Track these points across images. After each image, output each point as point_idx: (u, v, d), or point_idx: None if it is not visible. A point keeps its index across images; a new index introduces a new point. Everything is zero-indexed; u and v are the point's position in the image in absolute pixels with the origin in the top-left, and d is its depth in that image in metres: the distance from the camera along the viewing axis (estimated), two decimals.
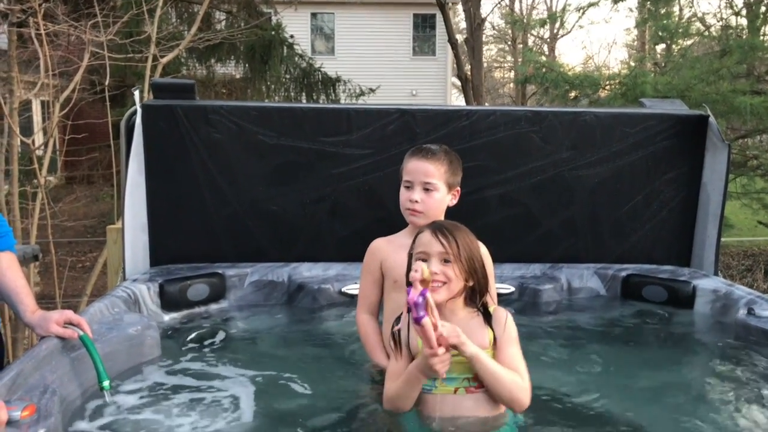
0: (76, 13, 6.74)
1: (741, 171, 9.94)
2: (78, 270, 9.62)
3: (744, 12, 10.90)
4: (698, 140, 3.78)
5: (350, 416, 2.27)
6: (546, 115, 3.78)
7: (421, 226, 2.51)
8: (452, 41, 15.45)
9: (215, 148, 3.60)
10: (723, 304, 3.37)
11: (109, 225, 4.92)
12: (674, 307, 3.53)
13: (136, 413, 2.22)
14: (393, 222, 2.75)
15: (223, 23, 12.64)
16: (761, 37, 9.40)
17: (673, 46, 12.35)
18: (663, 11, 10.64)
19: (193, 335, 3.06)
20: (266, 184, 3.67)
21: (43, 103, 12.69)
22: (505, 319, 2.12)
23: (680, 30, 10.41)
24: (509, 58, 36.56)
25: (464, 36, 17.63)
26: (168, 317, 3.26)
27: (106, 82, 6.10)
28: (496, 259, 2.45)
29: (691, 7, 12.91)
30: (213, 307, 3.42)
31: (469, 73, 15.84)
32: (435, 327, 1.90)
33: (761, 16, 9.91)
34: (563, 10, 13.64)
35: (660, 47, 14.76)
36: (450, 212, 2.61)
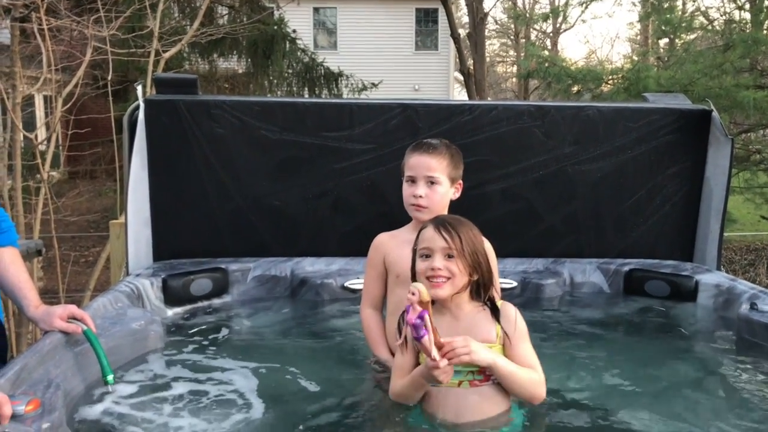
0: (78, 8, 6.74)
1: (744, 165, 9.92)
2: (81, 265, 9.64)
3: (747, 6, 10.87)
4: (701, 135, 3.78)
5: (353, 410, 2.27)
6: (549, 110, 3.77)
7: (423, 221, 2.52)
8: (455, 36, 15.40)
9: (218, 142, 3.61)
10: (725, 298, 3.37)
11: (112, 220, 4.94)
12: (677, 301, 3.53)
13: (140, 407, 2.23)
14: (395, 217, 2.75)
15: (226, 18, 12.64)
16: (765, 31, 9.35)
17: (676, 40, 12.32)
18: (666, 5, 10.62)
19: (196, 330, 3.07)
20: (269, 179, 3.67)
21: (45, 98, 12.69)
22: (515, 316, 2.12)
23: (683, 24, 10.39)
24: (512, 52, 36.46)
25: (467, 31, 17.59)
26: (171, 312, 3.27)
27: (109, 77, 6.10)
28: (499, 254, 2.45)
29: (694, 2, 12.82)
30: (216, 301, 3.43)
31: (471, 67, 15.79)
32: (439, 344, 1.93)
33: (765, 10, 9.85)
34: (566, 4, 13.56)
35: (663, 41, 14.74)
36: (452, 207, 2.61)
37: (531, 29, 31.89)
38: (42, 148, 6.25)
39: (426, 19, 25.27)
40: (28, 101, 8.46)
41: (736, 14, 11.21)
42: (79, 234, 11.17)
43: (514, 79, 36.10)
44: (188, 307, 3.33)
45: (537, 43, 29.37)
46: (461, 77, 17.26)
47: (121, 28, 6.50)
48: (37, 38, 5.55)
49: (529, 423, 2.11)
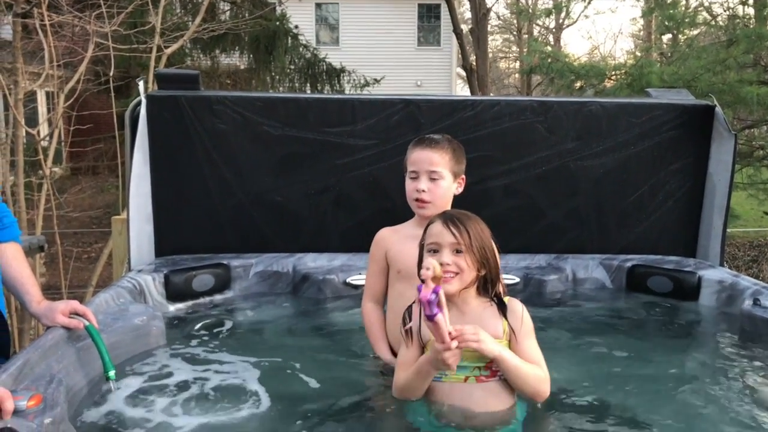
0: (80, 4, 6.72)
1: (747, 161, 9.90)
2: (83, 261, 9.65)
3: (751, 1, 10.82)
4: (704, 130, 3.76)
5: (355, 405, 2.27)
6: (551, 106, 3.76)
7: (428, 216, 2.52)
8: (457, 31, 15.39)
9: (220, 138, 3.60)
10: (728, 295, 3.36)
11: (114, 216, 4.94)
12: (679, 298, 3.52)
13: (142, 403, 2.23)
14: (397, 213, 2.75)
15: (228, 14, 12.64)
16: None
17: (680, 35, 12.30)
18: (669, 1, 10.58)
19: (198, 325, 3.07)
20: (271, 175, 3.67)
21: (47, 94, 12.72)
22: (522, 312, 2.12)
23: (687, 20, 10.35)
24: (514, 48, 36.41)
25: (469, 26, 17.59)
26: (173, 308, 3.27)
27: (111, 73, 6.09)
28: (501, 250, 2.44)
29: None
30: (218, 297, 3.43)
31: (474, 63, 15.79)
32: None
33: None
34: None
35: (666, 37, 14.71)
36: (455, 203, 2.61)
37: (534, 25, 31.90)
38: (44, 144, 6.25)
39: (428, 15, 25.24)
40: (31, 97, 8.46)
41: (740, 9, 11.18)
42: (81, 230, 11.19)
43: (516, 75, 36.11)
44: (190, 303, 3.33)
45: (540, 38, 29.36)
46: (464, 73, 17.24)
47: (123, 24, 6.51)
48: (39, 34, 5.54)
49: (532, 418, 2.10)
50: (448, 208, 2.53)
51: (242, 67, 13.82)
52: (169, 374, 2.48)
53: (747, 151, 9.85)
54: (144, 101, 3.47)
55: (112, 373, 2.25)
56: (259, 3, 12.68)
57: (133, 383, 2.38)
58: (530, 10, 27.65)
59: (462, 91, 27.79)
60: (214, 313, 3.27)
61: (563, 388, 2.36)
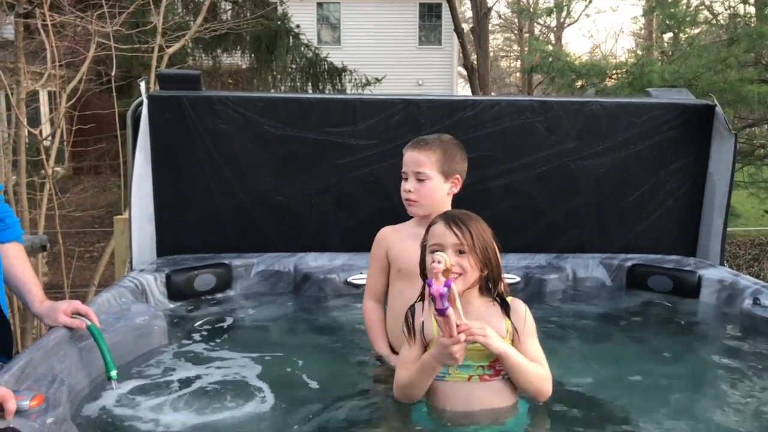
0: (82, 4, 6.74)
1: (748, 160, 9.89)
2: (86, 260, 9.67)
3: (752, 0, 10.81)
4: (705, 130, 3.77)
5: (357, 404, 2.28)
6: (551, 105, 3.77)
7: (418, 215, 2.53)
8: (458, 30, 15.37)
9: (221, 138, 3.61)
10: (729, 294, 3.37)
11: (117, 215, 4.95)
12: (679, 297, 3.52)
13: (144, 402, 2.24)
14: (398, 212, 2.75)
15: (229, 13, 12.64)
16: None
17: (681, 34, 12.27)
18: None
19: (199, 325, 3.08)
20: (272, 175, 3.68)
21: (50, 93, 12.75)
22: (525, 312, 2.12)
23: (688, 18, 10.34)
24: (515, 47, 36.36)
25: (470, 25, 17.58)
26: (175, 307, 3.28)
27: (113, 73, 6.10)
28: (502, 250, 2.45)
29: None
30: (219, 297, 3.44)
31: (475, 62, 15.77)
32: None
33: None
34: None
35: (667, 36, 14.69)
36: (454, 203, 2.62)
37: (535, 24, 31.85)
38: (46, 143, 6.25)
39: (429, 14, 25.23)
40: (33, 97, 8.48)
41: (741, 8, 11.15)
42: (83, 229, 11.21)
43: (517, 74, 36.07)
44: (192, 302, 3.34)
45: (541, 37, 29.30)
46: (465, 72, 17.22)
47: (125, 24, 6.51)
48: (41, 34, 5.55)
49: (534, 416, 2.11)
50: (441, 207, 2.52)
51: (244, 66, 13.84)
52: (171, 374, 2.49)
53: (748, 150, 9.85)
54: (146, 101, 3.48)
55: (114, 373, 2.26)
56: (260, 2, 12.69)
57: (135, 383, 2.39)
58: (531, 9, 27.64)
59: (463, 90, 27.78)
60: (215, 313, 3.27)
61: (564, 387, 2.37)
